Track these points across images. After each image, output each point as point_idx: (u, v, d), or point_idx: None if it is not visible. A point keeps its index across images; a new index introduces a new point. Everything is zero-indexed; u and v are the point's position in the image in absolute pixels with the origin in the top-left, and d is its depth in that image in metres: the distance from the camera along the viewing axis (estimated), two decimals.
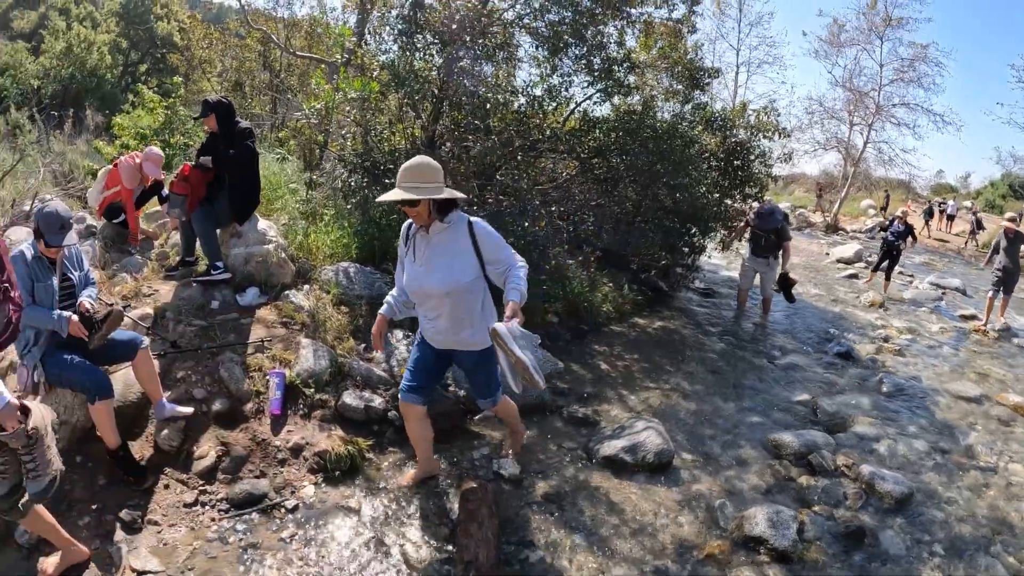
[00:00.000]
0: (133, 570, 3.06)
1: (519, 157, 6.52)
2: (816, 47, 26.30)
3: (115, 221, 5.63)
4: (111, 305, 3.81)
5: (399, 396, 3.52)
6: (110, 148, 8.67)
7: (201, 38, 12.63)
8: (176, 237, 5.66)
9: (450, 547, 3.23)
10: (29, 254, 3.46)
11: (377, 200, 3.24)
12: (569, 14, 6.54)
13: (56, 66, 20.68)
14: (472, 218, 3.18)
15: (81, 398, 3.65)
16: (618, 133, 6.82)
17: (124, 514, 3.33)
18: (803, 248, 12.72)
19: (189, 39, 14.39)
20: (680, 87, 8.47)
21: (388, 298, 3.48)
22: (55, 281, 3.50)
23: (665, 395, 5.26)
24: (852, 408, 5.34)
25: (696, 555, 3.36)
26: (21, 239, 4.87)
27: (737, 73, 26.85)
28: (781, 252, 7.74)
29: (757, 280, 8.10)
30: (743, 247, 8.60)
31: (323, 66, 8.68)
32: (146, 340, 3.79)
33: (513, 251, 3.26)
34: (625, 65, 6.96)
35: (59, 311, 3.46)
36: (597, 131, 6.78)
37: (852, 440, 4.77)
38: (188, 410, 3.82)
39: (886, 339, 7.67)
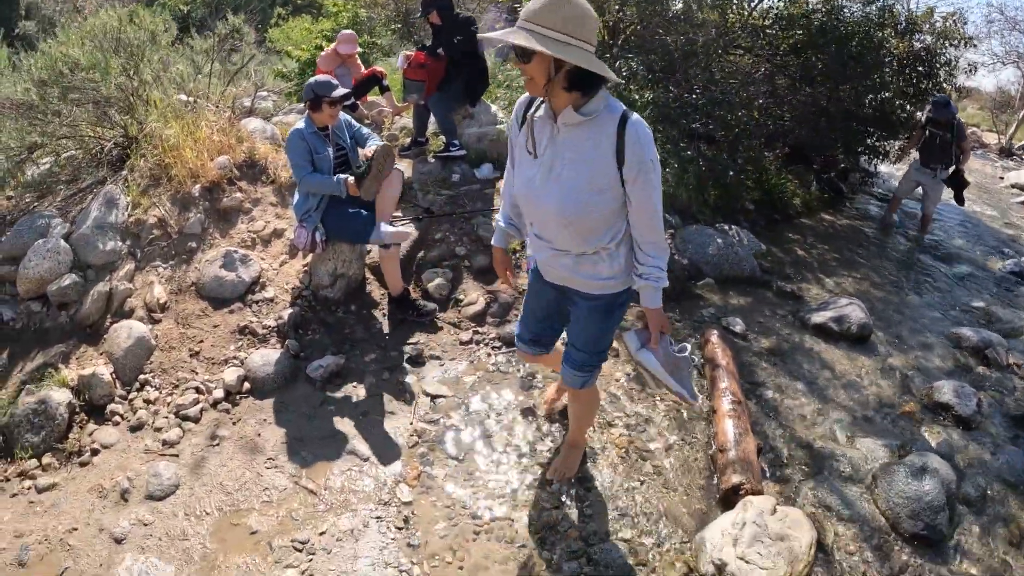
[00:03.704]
0: (426, 394, 3.72)
1: (711, 50, 6.75)
2: None
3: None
4: (373, 148, 4.08)
5: (515, 342, 2.95)
6: (299, 52, 9.56)
7: None
8: (401, 122, 6.60)
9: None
10: (306, 130, 4.01)
11: (480, 36, 2.37)
12: None
13: None
14: (632, 115, 2.12)
15: (357, 251, 4.48)
16: (812, 31, 7.04)
17: (408, 349, 4.10)
18: (976, 169, 12.21)
19: None
20: None
21: (498, 219, 2.68)
22: (331, 151, 4.09)
23: (857, 282, 5.84)
24: None
25: (894, 411, 4.02)
26: (255, 128, 5.63)
27: None
28: (956, 156, 7.25)
29: (918, 192, 7.73)
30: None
31: None
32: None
33: (659, 209, 2.24)
34: None
35: (338, 175, 3.98)
36: (797, 29, 7.00)
37: (1022, 346, 5.13)
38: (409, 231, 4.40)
39: None
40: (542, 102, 2.22)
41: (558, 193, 2.19)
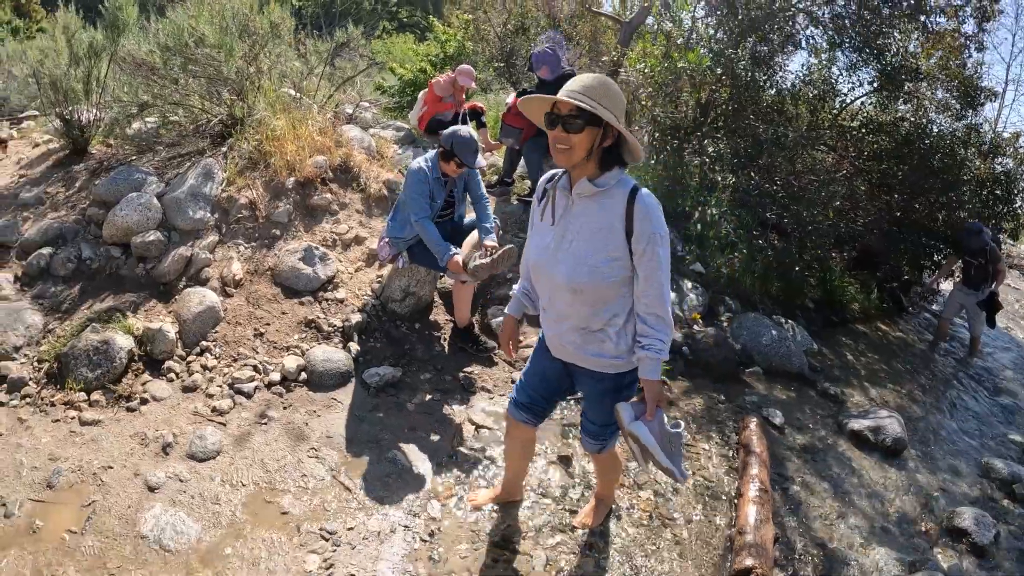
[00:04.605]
0: (471, 422, 3.86)
1: (798, 144, 6.94)
2: None
3: (440, 132, 6.79)
4: (506, 246, 4.14)
5: (507, 405, 2.92)
6: (403, 70, 9.92)
7: None
8: (491, 159, 6.83)
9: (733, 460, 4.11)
10: (431, 173, 4.09)
11: (520, 100, 2.34)
12: (855, 6, 6.78)
13: None
14: (641, 189, 2.22)
15: (432, 274, 4.65)
16: (898, 141, 7.13)
17: (462, 377, 4.25)
18: None
19: None
20: (954, 102, 8.38)
21: (515, 290, 2.73)
22: (443, 199, 4.22)
23: (900, 396, 5.82)
24: None
25: (912, 528, 4.00)
26: (354, 136, 5.85)
27: (1004, 90, 23.94)
28: (993, 278, 7.18)
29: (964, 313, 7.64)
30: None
31: (613, 24, 9.46)
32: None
33: (666, 283, 2.28)
34: (911, 71, 7.08)
35: (450, 246, 4.07)
36: (883, 135, 7.11)
37: None
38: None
39: None
40: (563, 174, 2.31)
41: (570, 261, 2.25)
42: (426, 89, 6.86)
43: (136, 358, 3.84)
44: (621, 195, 2.19)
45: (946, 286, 9.08)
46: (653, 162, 6.50)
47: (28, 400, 3.56)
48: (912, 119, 7.58)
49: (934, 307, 9.13)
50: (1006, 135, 8.90)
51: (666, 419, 2.41)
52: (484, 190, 4.42)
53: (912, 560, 3.64)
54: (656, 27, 7.96)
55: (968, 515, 4.10)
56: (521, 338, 3.23)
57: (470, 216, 4.52)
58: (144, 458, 3.27)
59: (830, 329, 6.86)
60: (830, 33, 7.12)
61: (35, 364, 3.79)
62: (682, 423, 2.52)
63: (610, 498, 3.32)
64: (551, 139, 2.16)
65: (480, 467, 3.57)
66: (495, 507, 3.27)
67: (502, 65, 10.62)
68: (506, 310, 2.75)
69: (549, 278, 2.35)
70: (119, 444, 3.33)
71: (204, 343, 4.03)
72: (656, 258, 2.20)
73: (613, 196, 2.20)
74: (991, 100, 8.57)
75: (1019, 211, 8.45)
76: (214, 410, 3.61)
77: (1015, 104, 30.66)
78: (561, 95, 2.11)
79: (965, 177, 7.72)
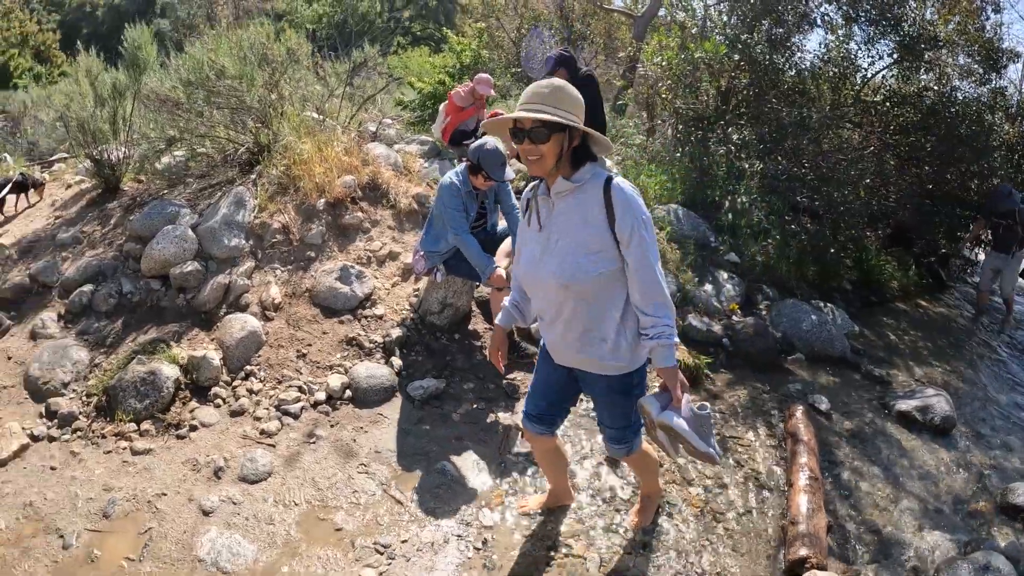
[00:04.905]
0: (517, 428, 3.84)
1: (823, 125, 6.86)
2: None
3: (465, 143, 6.54)
4: None
5: (522, 419, 2.88)
6: (421, 84, 9.97)
7: None
8: (517, 165, 6.83)
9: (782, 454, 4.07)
10: (462, 187, 4.04)
11: (485, 123, 2.42)
12: None
13: (329, 12, 23.08)
14: (616, 178, 2.24)
15: (468, 284, 4.67)
16: (924, 112, 7.01)
17: (505, 384, 4.28)
18: None
19: None
20: (977, 67, 8.12)
21: (506, 301, 2.66)
22: (475, 211, 4.21)
23: (945, 374, 5.71)
24: None
25: (965, 508, 3.94)
26: (380, 154, 5.89)
27: None
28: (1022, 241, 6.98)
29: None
30: None
31: (627, 19, 9.45)
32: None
33: (658, 266, 2.25)
34: (930, 40, 6.97)
35: (492, 259, 4.08)
36: (908, 107, 6.99)
37: None
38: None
39: None
40: (540, 182, 2.35)
41: (556, 259, 2.26)
42: (446, 101, 6.89)
43: (183, 386, 3.94)
44: (596, 187, 2.22)
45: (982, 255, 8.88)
46: (679, 155, 6.48)
47: (79, 434, 3.67)
48: (936, 88, 7.45)
49: (975, 278, 8.90)
50: None
51: (691, 403, 2.37)
52: (514, 199, 4.42)
53: (968, 540, 3.60)
54: (669, 19, 7.94)
55: (1022, 490, 4.01)
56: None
57: (503, 223, 4.55)
58: (197, 483, 3.35)
59: (869, 310, 6.77)
60: (844, 8, 7.04)
61: (84, 398, 3.91)
62: (708, 404, 2.46)
63: (656, 493, 3.29)
64: (521, 153, 2.20)
65: (529, 472, 3.59)
66: (546, 511, 3.29)
67: (519, 70, 10.66)
68: (496, 322, 2.71)
69: (540, 281, 2.35)
70: (171, 471, 3.42)
71: (248, 367, 4.11)
72: (643, 242, 2.20)
73: (588, 190, 2.23)
74: (1014, 61, 8.39)
75: None
76: (262, 432, 3.68)
77: None
78: (520, 112, 2.14)
79: (995, 143, 7.57)
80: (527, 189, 2.47)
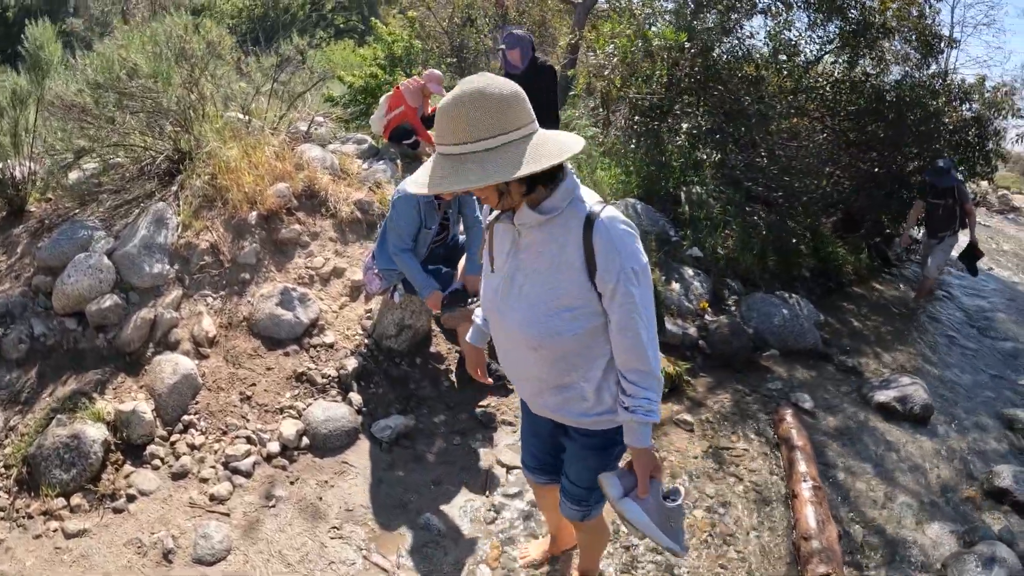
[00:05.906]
0: (500, 464, 3.56)
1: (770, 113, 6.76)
2: None
3: (405, 143, 6.15)
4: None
5: (522, 468, 2.55)
6: (351, 78, 9.31)
7: None
8: None
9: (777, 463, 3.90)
10: (422, 198, 3.54)
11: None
12: None
13: (250, 5, 21.89)
14: (602, 212, 1.73)
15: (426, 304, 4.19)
16: (868, 97, 7.01)
17: (479, 413, 3.91)
18: (1011, 235, 12.28)
19: None
20: (913, 52, 8.09)
21: (476, 317, 2.26)
22: (437, 224, 3.78)
23: (911, 357, 5.71)
24: None
25: (956, 496, 3.93)
26: (315, 156, 5.35)
27: (951, 34, 24.46)
28: (961, 221, 6.72)
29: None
30: None
31: (564, 6, 9.11)
32: None
33: (647, 331, 1.79)
34: (879, 27, 6.97)
35: (432, 280, 3.71)
36: (854, 94, 6.97)
37: None
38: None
39: None
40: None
41: (522, 311, 1.80)
42: (391, 92, 6.34)
43: (113, 447, 3.35)
44: (576, 223, 1.72)
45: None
46: (633, 146, 6.23)
47: (2, 515, 3.06)
48: (874, 73, 7.45)
49: (916, 257, 9.04)
50: (971, 80, 8.82)
51: (662, 489, 1.95)
52: (479, 211, 3.99)
53: (965, 530, 3.61)
54: (616, 5, 7.64)
55: (1007, 474, 4.09)
56: None
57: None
58: (145, 570, 2.83)
59: (830, 297, 6.76)
60: None
61: (3, 471, 3.28)
62: (682, 490, 2.00)
63: (596, 560, 2.75)
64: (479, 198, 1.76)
65: (519, 516, 3.25)
66: (551, 559, 2.96)
67: (454, 61, 10.17)
68: (467, 339, 2.30)
69: (503, 330, 1.92)
70: (113, 556, 2.88)
71: (186, 417, 3.58)
72: (630, 300, 1.72)
73: (566, 224, 1.73)
74: (951, 48, 8.49)
75: (990, 154, 8.33)
76: (212, 498, 3.17)
77: (961, 46, 30.55)
78: (436, 187, 1.60)
79: (940, 128, 7.60)
80: (487, 220, 1.96)
